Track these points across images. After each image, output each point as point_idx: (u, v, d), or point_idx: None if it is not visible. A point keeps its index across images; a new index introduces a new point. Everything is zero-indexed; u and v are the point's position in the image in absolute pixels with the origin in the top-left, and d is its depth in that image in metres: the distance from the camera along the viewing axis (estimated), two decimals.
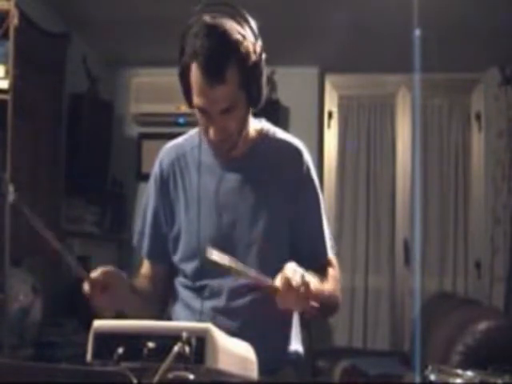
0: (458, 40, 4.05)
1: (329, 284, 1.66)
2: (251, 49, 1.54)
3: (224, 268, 1.30)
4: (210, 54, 1.48)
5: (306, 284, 1.43)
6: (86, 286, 1.52)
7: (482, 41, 4.05)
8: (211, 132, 1.59)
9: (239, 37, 1.52)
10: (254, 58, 1.54)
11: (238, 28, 1.53)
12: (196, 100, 1.55)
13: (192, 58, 1.51)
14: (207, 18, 1.51)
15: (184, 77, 1.56)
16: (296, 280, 1.41)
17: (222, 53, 1.49)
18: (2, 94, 2.61)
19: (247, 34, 1.54)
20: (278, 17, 3.81)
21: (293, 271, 1.43)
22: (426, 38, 3.15)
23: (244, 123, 1.64)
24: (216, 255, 1.31)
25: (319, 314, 1.66)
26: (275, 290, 1.42)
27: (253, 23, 1.57)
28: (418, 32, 3.17)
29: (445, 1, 3.54)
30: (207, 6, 1.56)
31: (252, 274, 1.41)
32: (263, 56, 1.58)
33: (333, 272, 1.73)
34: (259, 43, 1.57)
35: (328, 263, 1.74)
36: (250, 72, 1.54)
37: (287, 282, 1.41)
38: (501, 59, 4.46)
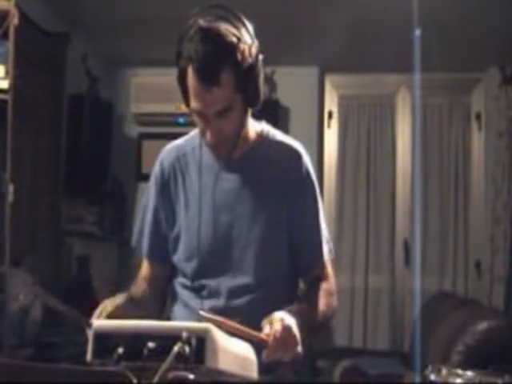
0: (458, 40, 4.05)
1: (321, 303, 1.68)
2: (247, 51, 1.55)
3: (216, 324, 1.28)
4: (204, 58, 1.50)
5: (293, 337, 1.43)
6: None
7: (482, 41, 4.05)
8: (208, 135, 1.60)
9: (234, 39, 1.53)
10: (249, 60, 1.55)
11: (233, 30, 1.54)
12: (192, 103, 1.57)
13: (188, 62, 1.53)
14: (202, 22, 1.53)
15: (182, 80, 1.58)
16: (284, 338, 1.40)
17: (216, 56, 1.51)
18: (2, 93, 2.61)
19: (243, 37, 1.55)
20: (277, 17, 3.81)
21: (280, 325, 1.42)
22: (425, 38, 3.15)
23: (241, 125, 1.65)
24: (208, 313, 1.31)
25: (312, 332, 1.68)
26: (265, 342, 1.41)
27: (249, 25, 1.58)
28: (418, 32, 3.17)
29: (445, 1, 3.54)
30: (204, 10, 1.57)
31: (243, 329, 1.39)
32: (260, 57, 1.58)
33: (326, 286, 1.72)
34: (255, 45, 1.58)
35: (323, 273, 1.74)
36: (245, 74, 1.55)
37: (275, 340, 1.40)
38: (501, 59, 4.46)
